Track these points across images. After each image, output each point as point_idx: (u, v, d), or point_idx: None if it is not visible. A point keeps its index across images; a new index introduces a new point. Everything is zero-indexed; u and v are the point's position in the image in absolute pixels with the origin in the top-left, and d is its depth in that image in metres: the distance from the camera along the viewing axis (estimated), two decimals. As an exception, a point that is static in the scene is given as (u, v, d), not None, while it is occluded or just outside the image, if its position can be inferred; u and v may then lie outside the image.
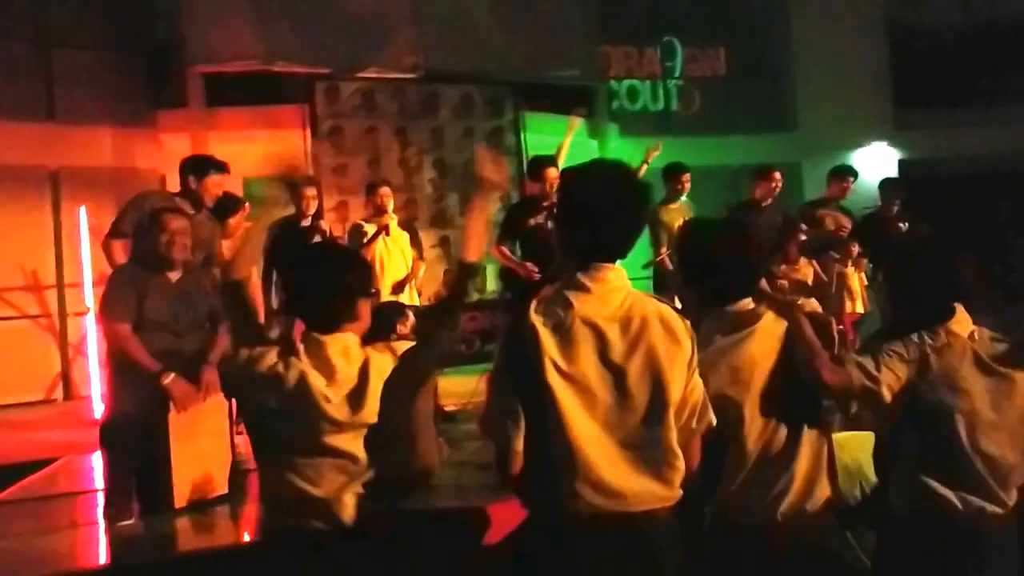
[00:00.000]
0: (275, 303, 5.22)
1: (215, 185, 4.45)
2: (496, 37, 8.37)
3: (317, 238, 5.17)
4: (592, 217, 1.90)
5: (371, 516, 2.28)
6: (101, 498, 3.98)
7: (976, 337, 2.28)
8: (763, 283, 3.26)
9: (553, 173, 5.35)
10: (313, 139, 7.48)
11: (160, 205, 4.15)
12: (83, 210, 6.95)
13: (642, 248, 5.82)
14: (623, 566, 1.84)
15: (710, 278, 2.28)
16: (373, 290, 3.10)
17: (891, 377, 2.22)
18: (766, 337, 2.21)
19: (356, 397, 2.22)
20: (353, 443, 2.24)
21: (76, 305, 7.28)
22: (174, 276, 3.85)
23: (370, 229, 5.54)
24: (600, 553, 1.84)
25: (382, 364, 2.28)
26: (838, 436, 2.52)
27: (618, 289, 1.91)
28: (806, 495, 2.17)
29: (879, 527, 2.42)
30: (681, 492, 1.90)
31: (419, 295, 5.77)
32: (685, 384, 1.91)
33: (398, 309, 4.32)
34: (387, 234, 5.54)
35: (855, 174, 6.72)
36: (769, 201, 6.33)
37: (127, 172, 7.54)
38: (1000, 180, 10.81)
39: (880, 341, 2.32)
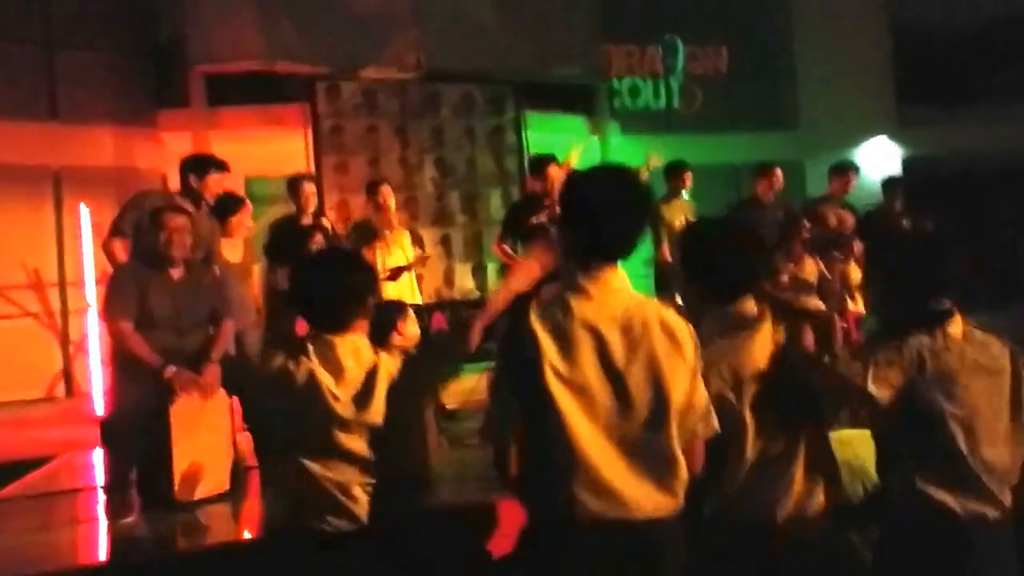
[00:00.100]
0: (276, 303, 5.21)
1: (215, 184, 4.47)
2: (497, 36, 8.37)
3: (319, 236, 5.17)
4: (593, 219, 1.90)
5: (374, 515, 2.29)
6: (102, 495, 3.99)
7: (970, 338, 2.26)
8: (766, 283, 3.28)
9: (555, 172, 5.35)
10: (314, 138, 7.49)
11: (160, 204, 4.16)
12: (85, 209, 6.96)
13: (643, 245, 5.81)
14: (624, 571, 1.83)
15: (711, 276, 2.28)
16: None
17: (885, 383, 2.19)
18: (766, 338, 2.21)
19: (363, 397, 2.24)
20: (359, 443, 2.27)
21: (78, 303, 7.30)
22: (175, 274, 3.87)
23: (372, 228, 5.54)
24: (601, 558, 1.83)
25: (392, 367, 2.31)
26: (841, 433, 2.52)
27: (618, 291, 1.90)
28: (806, 495, 2.17)
29: (881, 525, 2.41)
30: (683, 498, 1.88)
31: (420, 293, 5.77)
32: (688, 389, 1.89)
33: (399, 308, 4.32)
34: (390, 231, 5.55)
35: (856, 168, 6.71)
36: (771, 198, 6.32)
37: (129, 171, 7.56)
38: (1003, 177, 10.80)
39: (879, 343, 2.30)
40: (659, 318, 1.89)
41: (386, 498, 2.32)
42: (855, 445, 2.74)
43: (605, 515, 1.82)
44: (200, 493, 3.82)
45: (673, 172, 6.36)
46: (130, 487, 3.82)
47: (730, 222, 2.81)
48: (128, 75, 8.03)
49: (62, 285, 7.60)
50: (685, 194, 6.48)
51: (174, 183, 4.94)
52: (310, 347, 2.27)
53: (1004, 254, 10.22)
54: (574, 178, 2.09)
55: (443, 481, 3.80)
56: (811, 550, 2.16)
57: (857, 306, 6.35)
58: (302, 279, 2.45)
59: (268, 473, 4.00)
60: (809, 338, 2.42)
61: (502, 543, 3.04)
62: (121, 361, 3.81)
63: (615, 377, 1.84)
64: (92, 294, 6.65)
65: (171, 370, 3.69)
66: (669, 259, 6.20)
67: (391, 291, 5.30)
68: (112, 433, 3.83)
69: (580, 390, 1.83)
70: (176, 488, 3.75)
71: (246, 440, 4.12)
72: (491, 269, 7.79)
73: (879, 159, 10.52)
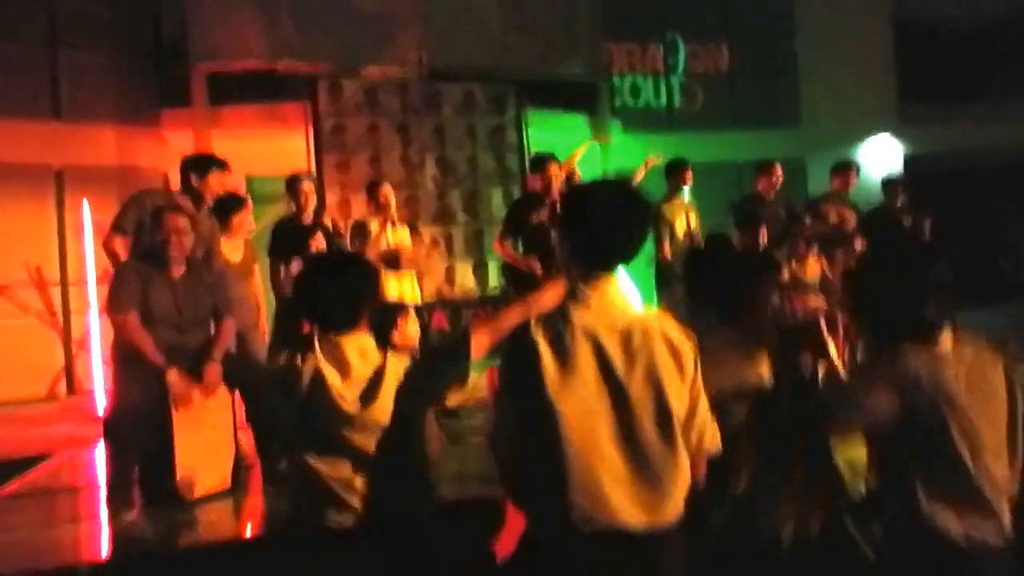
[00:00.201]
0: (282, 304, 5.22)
1: (216, 183, 4.48)
2: (498, 34, 8.38)
3: (319, 235, 5.17)
4: (594, 230, 1.91)
5: (378, 512, 2.30)
6: (104, 492, 4.00)
7: (962, 349, 2.21)
8: (774, 298, 3.29)
9: (555, 170, 5.36)
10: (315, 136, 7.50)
11: (161, 203, 4.17)
12: (87, 207, 6.98)
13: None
14: None
15: (715, 300, 2.35)
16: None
17: (882, 403, 2.16)
18: (767, 354, 2.23)
19: (369, 395, 2.26)
20: (365, 440, 2.28)
21: (79, 302, 7.32)
22: (176, 272, 3.88)
23: (373, 227, 5.55)
24: (600, 567, 1.83)
25: (399, 368, 2.32)
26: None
27: (617, 300, 1.91)
28: (808, 509, 2.18)
29: (883, 523, 2.41)
30: (682, 508, 1.87)
31: (420, 292, 5.77)
32: (689, 402, 1.90)
33: (400, 307, 4.33)
34: (392, 226, 5.57)
35: (857, 166, 6.73)
36: (772, 195, 6.32)
37: (131, 170, 7.58)
38: (1004, 175, 10.80)
39: (874, 363, 2.27)
40: (661, 329, 1.89)
41: (390, 496, 2.33)
42: (856, 444, 2.74)
43: (604, 524, 1.82)
44: (202, 490, 3.84)
45: (673, 170, 6.36)
46: (132, 484, 3.84)
47: (732, 246, 2.89)
48: (130, 74, 8.04)
49: (64, 283, 7.61)
50: (686, 192, 6.47)
51: (176, 182, 4.95)
52: (317, 345, 2.29)
53: (1005, 252, 10.22)
54: (575, 189, 2.12)
55: (443, 478, 3.80)
56: (812, 551, 2.17)
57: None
58: (306, 282, 2.47)
59: (269, 470, 4.02)
60: (807, 358, 2.43)
61: (508, 542, 3.05)
62: (123, 358, 3.82)
63: (615, 386, 1.84)
64: (94, 292, 6.67)
65: (172, 374, 3.71)
66: (669, 257, 6.20)
67: (391, 291, 5.30)
68: (114, 431, 3.84)
69: (580, 401, 1.83)
70: (178, 485, 3.77)
71: (247, 437, 4.14)
72: (492, 267, 7.80)
73: (880, 157, 10.52)
